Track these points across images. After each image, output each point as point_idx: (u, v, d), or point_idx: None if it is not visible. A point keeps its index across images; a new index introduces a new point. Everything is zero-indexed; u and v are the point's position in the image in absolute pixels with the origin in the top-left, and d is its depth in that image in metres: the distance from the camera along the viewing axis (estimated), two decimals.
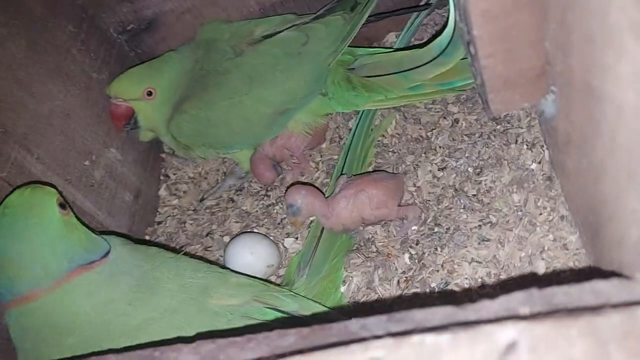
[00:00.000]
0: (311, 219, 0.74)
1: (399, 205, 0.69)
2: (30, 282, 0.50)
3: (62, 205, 0.54)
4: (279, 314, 0.52)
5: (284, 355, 0.32)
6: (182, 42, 0.88)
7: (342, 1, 0.81)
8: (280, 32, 0.79)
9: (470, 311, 0.32)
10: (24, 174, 0.65)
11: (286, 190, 0.72)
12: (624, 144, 0.29)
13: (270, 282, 0.64)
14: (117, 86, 0.80)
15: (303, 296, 0.59)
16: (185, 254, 0.60)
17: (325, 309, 0.56)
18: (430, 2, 0.84)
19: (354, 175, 0.73)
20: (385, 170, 0.74)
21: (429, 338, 0.29)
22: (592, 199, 0.41)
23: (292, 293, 0.58)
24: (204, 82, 0.78)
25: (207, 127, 0.77)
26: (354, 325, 0.34)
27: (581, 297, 0.31)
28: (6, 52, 0.67)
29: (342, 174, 0.73)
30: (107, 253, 0.54)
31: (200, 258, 0.63)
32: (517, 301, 0.32)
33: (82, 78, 0.80)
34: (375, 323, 0.34)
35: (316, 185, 0.80)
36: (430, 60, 0.71)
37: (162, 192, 0.90)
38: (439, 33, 0.70)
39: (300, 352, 0.32)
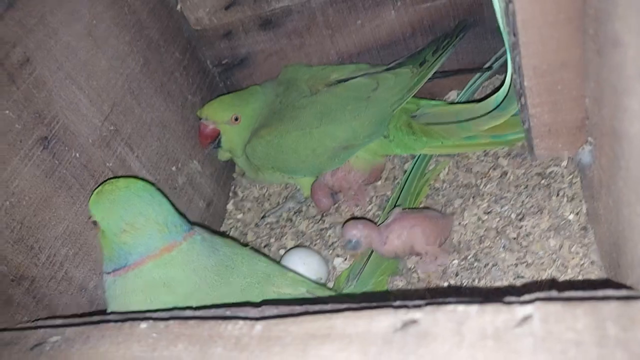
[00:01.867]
0: None
1: (440, 245, 0.76)
2: (169, 236, 0.59)
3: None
4: None
5: (333, 311, 0.40)
6: (266, 79, 1.00)
7: (413, 57, 0.91)
8: (353, 78, 0.90)
9: (497, 299, 0.39)
10: (125, 167, 0.76)
11: (343, 226, 0.78)
12: (634, 171, 0.36)
13: (320, 284, 0.71)
14: (210, 109, 0.91)
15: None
16: (251, 248, 0.69)
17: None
18: (492, 66, 0.93)
19: (407, 208, 0.80)
20: (435, 209, 0.81)
21: (461, 307, 0.36)
22: (615, 233, 0.47)
23: (340, 293, 0.66)
24: (281, 114, 0.88)
25: (278, 153, 0.87)
26: (398, 303, 0.41)
27: (592, 296, 0.37)
28: (126, 66, 0.80)
29: (396, 206, 0.81)
30: (190, 230, 0.63)
31: (263, 254, 0.71)
32: (537, 296, 0.39)
33: (180, 97, 0.92)
34: (417, 301, 0.41)
35: (368, 217, 0.88)
36: (487, 113, 0.79)
37: (230, 206, 1.00)
38: (496, 91, 0.78)
39: (352, 309, 0.39)
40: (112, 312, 0.59)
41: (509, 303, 0.36)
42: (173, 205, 0.64)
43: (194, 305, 0.58)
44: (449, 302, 0.37)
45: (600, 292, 0.38)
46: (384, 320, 0.37)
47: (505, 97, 0.73)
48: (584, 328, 0.32)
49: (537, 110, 0.51)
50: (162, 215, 0.61)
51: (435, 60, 0.88)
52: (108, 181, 0.63)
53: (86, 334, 0.46)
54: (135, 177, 0.69)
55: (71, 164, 0.68)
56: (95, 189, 0.63)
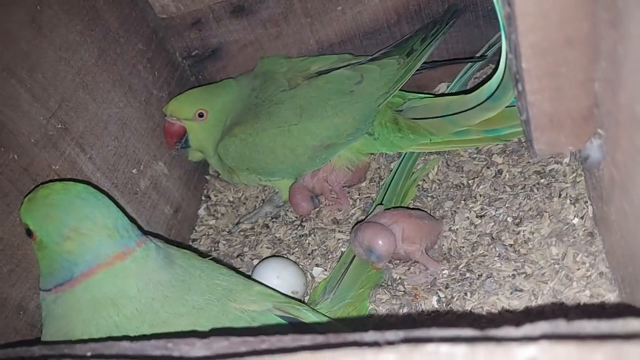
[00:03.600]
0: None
1: (427, 250, 0.68)
2: (121, 241, 0.52)
3: None
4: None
5: (293, 349, 0.32)
6: (241, 72, 0.92)
7: (400, 46, 0.83)
8: (335, 69, 0.82)
9: (492, 333, 0.31)
10: (75, 170, 0.68)
11: (357, 231, 0.69)
12: None
13: (292, 298, 0.63)
14: (173, 105, 0.83)
15: (324, 314, 0.58)
16: (212, 259, 0.61)
17: (344, 328, 0.55)
18: (485, 55, 0.85)
19: (391, 208, 0.72)
20: (425, 211, 0.73)
21: (444, 348, 0.28)
22: (632, 245, 0.39)
23: (312, 309, 0.58)
24: (257, 110, 0.80)
25: (253, 153, 0.79)
26: (370, 336, 0.34)
27: (611, 330, 0.29)
28: (77, 57, 0.72)
29: (379, 204, 0.73)
30: (142, 236, 0.55)
31: (226, 265, 0.63)
32: (542, 329, 0.31)
33: (143, 92, 0.84)
34: (392, 335, 0.33)
35: (350, 221, 0.80)
36: (478, 105, 0.71)
37: (202, 211, 0.91)
38: (486, 78, 0.70)
39: (310, 348, 0.31)
40: (43, 342, 0.51)
41: (506, 341, 0.28)
42: (122, 209, 0.56)
43: (144, 325, 0.51)
44: (430, 340, 0.29)
45: (620, 324, 0.30)
46: None
47: (499, 85, 0.65)
48: None
49: (537, 98, 0.43)
50: (111, 218, 0.53)
51: (423, 50, 0.80)
52: (41, 186, 0.55)
53: None
54: (74, 180, 0.61)
55: (8, 167, 0.60)
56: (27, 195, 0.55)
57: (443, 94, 0.82)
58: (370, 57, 0.83)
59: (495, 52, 0.85)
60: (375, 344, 0.30)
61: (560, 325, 0.31)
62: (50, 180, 0.61)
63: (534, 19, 0.38)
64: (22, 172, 0.61)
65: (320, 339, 0.35)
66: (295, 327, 0.51)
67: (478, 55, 0.86)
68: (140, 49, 0.85)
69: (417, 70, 0.81)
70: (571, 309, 0.51)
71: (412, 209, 0.74)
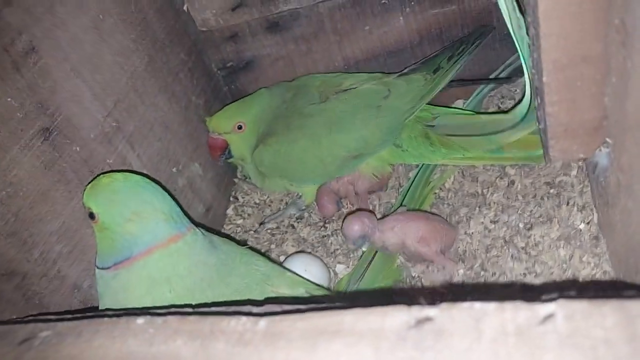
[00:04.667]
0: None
1: (442, 252, 0.74)
2: (175, 226, 0.58)
3: None
4: None
5: (342, 307, 0.37)
6: (271, 85, 0.99)
7: (426, 64, 0.89)
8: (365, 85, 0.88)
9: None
10: (125, 165, 0.74)
11: (344, 224, 0.77)
12: None
13: (320, 286, 0.69)
14: (214, 122, 0.91)
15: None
16: (249, 247, 0.67)
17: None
18: (508, 77, 0.91)
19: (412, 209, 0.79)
20: (442, 217, 0.79)
21: (478, 304, 0.34)
22: (634, 235, 0.45)
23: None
24: (289, 121, 0.87)
25: (285, 162, 0.86)
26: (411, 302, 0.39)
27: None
28: (131, 62, 0.79)
29: (402, 205, 0.79)
30: (189, 224, 0.61)
31: (262, 253, 0.69)
32: (558, 295, 0.37)
33: (184, 99, 0.91)
34: (431, 300, 0.39)
35: None
36: (514, 125, 0.76)
37: (230, 211, 0.98)
38: (520, 100, 0.75)
39: (362, 305, 0.37)
40: (106, 309, 0.57)
41: (529, 301, 0.34)
42: (173, 199, 0.62)
43: (193, 302, 0.56)
44: (465, 300, 0.35)
45: (624, 292, 0.36)
46: (397, 317, 0.35)
47: (529, 107, 0.71)
48: (612, 325, 0.30)
49: (555, 109, 0.49)
50: (167, 204, 0.59)
51: (450, 67, 0.86)
52: (101, 175, 0.61)
53: (79, 329, 0.43)
54: (131, 171, 0.67)
55: (71, 157, 0.66)
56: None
57: (476, 112, 0.87)
58: (399, 73, 0.89)
59: (510, 74, 0.92)
60: (418, 303, 0.36)
61: (572, 294, 0.37)
62: (110, 171, 0.67)
63: (556, 39, 0.45)
64: (83, 163, 0.67)
65: (367, 302, 0.41)
66: (340, 299, 0.57)
67: (501, 76, 0.92)
68: (182, 59, 0.92)
69: (444, 87, 0.87)
70: (581, 284, 0.56)
71: (429, 212, 0.80)
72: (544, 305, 0.33)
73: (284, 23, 0.95)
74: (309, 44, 0.97)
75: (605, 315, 0.31)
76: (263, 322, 0.38)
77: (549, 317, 0.32)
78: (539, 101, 0.50)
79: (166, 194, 0.62)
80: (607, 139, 0.50)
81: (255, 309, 0.44)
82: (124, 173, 0.62)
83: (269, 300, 0.48)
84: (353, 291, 0.58)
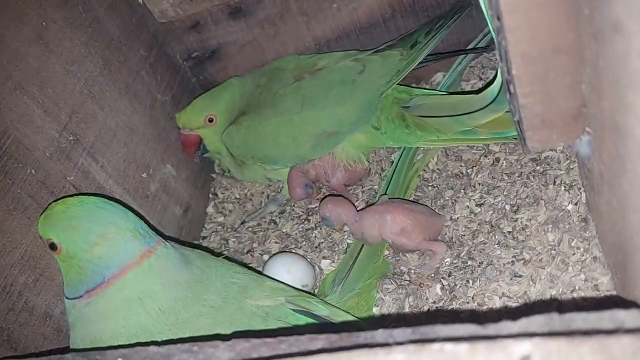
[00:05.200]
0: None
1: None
2: (144, 241, 0.55)
3: None
4: (310, 320, 0.55)
5: (311, 352, 0.35)
6: (241, 72, 0.94)
7: (404, 39, 0.85)
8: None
9: (491, 329, 0.34)
10: (89, 180, 0.71)
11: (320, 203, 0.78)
12: None
13: (303, 291, 0.67)
14: (183, 118, 0.87)
15: (334, 305, 0.61)
16: (226, 257, 0.64)
17: (355, 318, 0.59)
18: (482, 47, 0.87)
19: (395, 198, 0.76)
20: (427, 206, 0.75)
21: (448, 346, 0.31)
22: (621, 236, 0.42)
23: (322, 300, 0.61)
24: (261, 103, 0.83)
25: (257, 141, 0.82)
26: (380, 335, 0.37)
27: (599, 323, 0.32)
28: (84, 69, 0.74)
29: (384, 194, 0.76)
30: (158, 239, 0.58)
31: (239, 262, 0.67)
32: (537, 323, 0.34)
33: (148, 98, 0.86)
34: (400, 333, 0.36)
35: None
36: (484, 107, 0.72)
37: (210, 209, 0.94)
38: (490, 80, 0.72)
39: (327, 351, 0.34)
40: (72, 350, 0.55)
41: (504, 338, 0.31)
42: (136, 213, 0.59)
43: (167, 326, 0.54)
44: (435, 340, 0.32)
45: (607, 316, 0.33)
46: None
47: (500, 89, 0.67)
48: None
49: (528, 100, 0.45)
50: (131, 221, 0.56)
51: (427, 43, 0.82)
52: (54, 203, 0.58)
53: None
54: (85, 194, 0.64)
55: (26, 182, 0.62)
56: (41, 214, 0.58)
57: (450, 93, 0.84)
58: (374, 50, 0.85)
59: (489, 43, 0.87)
60: (385, 345, 0.33)
61: (554, 318, 0.34)
62: (64, 196, 0.63)
63: (521, 31, 0.40)
64: (40, 185, 0.64)
65: (334, 338, 0.38)
66: (310, 327, 0.54)
67: (472, 45, 0.88)
68: (142, 55, 0.87)
69: (420, 63, 0.83)
70: (564, 303, 0.54)
71: (413, 202, 0.76)
72: (519, 345, 0.30)
73: (246, 7, 0.89)
74: (275, 27, 0.91)
75: (584, 358, 0.28)
76: None
77: (525, 359, 0.29)
78: (511, 92, 0.46)
79: (127, 210, 0.59)
80: (587, 129, 0.46)
81: (221, 345, 0.41)
82: (78, 197, 0.59)
83: (236, 334, 0.45)
84: (324, 313, 0.56)
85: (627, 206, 0.37)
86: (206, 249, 0.73)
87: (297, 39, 0.93)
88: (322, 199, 0.79)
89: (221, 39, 0.93)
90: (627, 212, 0.38)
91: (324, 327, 0.54)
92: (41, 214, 0.58)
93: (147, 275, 0.54)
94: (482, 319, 0.41)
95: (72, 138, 0.70)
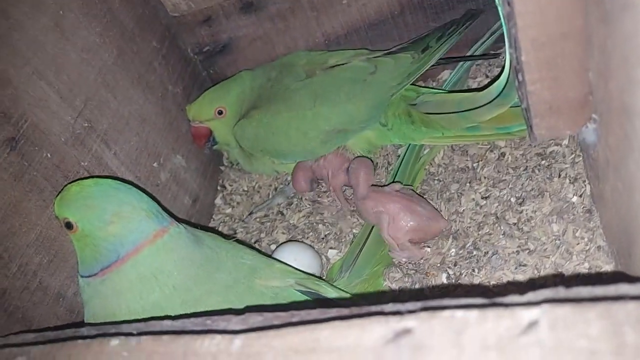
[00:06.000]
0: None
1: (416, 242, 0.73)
2: (157, 221, 0.57)
3: None
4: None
5: (323, 320, 0.36)
6: (251, 66, 0.95)
7: (416, 43, 0.87)
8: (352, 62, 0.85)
9: (499, 300, 0.35)
10: (101, 166, 0.72)
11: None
12: None
13: (311, 274, 0.68)
14: (193, 110, 0.88)
15: (342, 289, 0.63)
16: (236, 240, 0.66)
17: (364, 301, 0.60)
18: (489, 54, 0.88)
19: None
20: (433, 207, 0.75)
21: (459, 313, 0.32)
22: (626, 220, 0.43)
23: (331, 284, 0.62)
24: (272, 97, 0.84)
25: (267, 134, 0.83)
26: (390, 307, 0.38)
27: (605, 294, 0.33)
28: (98, 58, 0.76)
29: (396, 181, 0.78)
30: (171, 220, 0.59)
31: (248, 245, 0.68)
32: (543, 296, 0.35)
33: (160, 88, 0.88)
34: (411, 305, 0.37)
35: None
36: (489, 102, 0.74)
37: (218, 200, 0.96)
38: (496, 77, 0.73)
39: (339, 318, 0.35)
40: (87, 324, 0.56)
41: (512, 306, 0.32)
42: (149, 194, 0.61)
43: (178, 303, 0.55)
44: (445, 307, 0.33)
45: (612, 289, 0.34)
46: (375, 331, 0.33)
47: (507, 82, 0.68)
48: (598, 335, 0.29)
49: (536, 87, 0.47)
50: (144, 201, 0.58)
51: (438, 47, 0.84)
52: (70, 184, 0.59)
53: (52, 354, 0.42)
54: (98, 176, 0.66)
55: (42, 165, 0.64)
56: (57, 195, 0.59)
57: (455, 91, 0.85)
58: (386, 51, 0.86)
59: (495, 41, 0.89)
60: (397, 313, 0.34)
61: (560, 292, 0.35)
62: (78, 179, 0.65)
63: (532, 16, 0.41)
64: (55, 169, 0.65)
65: (345, 311, 0.39)
66: (320, 302, 0.55)
67: (479, 43, 0.89)
68: (154, 47, 0.88)
69: (432, 65, 0.85)
70: (571, 277, 0.55)
71: (420, 199, 0.76)
72: (528, 312, 0.31)
73: (258, 2, 0.91)
74: (286, 22, 0.93)
75: (590, 322, 0.29)
76: (238, 340, 0.37)
77: (532, 325, 0.30)
78: (520, 80, 0.47)
79: (140, 192, 0.60)
80: (594, 115, 0.47)
81: (234, 320, 0.42)
82: (93, 178, 0.60)
83: (249, 309, 0.46)
84: (332, 295, 0.57)
85: (633, 186, 0.38)
86: (217, 232, 0.75)
87: (307, 34, 0.94)
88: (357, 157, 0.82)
89: (232, 33, 0.95)
90: (633, 192, 0.39)
91: (334, 303, 0.55)
92: (57, 195, 0.59)
93: (161, 253, 0.56)
94: (490, 293, 0.42)
95: (86, 124, 0.71)
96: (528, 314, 0.31)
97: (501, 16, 0.48)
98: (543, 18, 0.41)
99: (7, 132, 0.60)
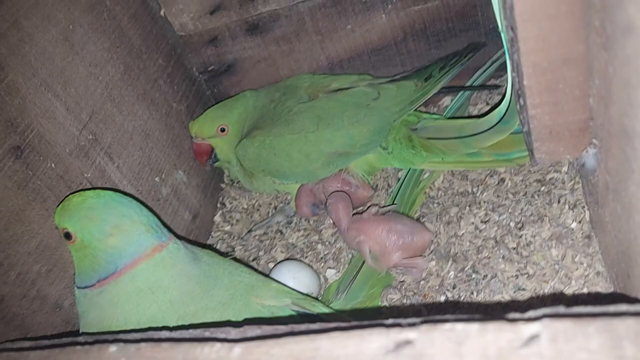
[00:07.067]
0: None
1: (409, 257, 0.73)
2: (156, 236, 0.57)
3: None
4: None
5: (323, 331, 0.36)
6: (255, 87, 0.97)
7: (419, 72, 0.88)
8: (355, 87, 0.87)
9: (500, 316, 0.35)
10: (104, 178, 0.73)
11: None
12: None
13: (308, 295, 0.68)
14: (196, 127, 0.89)
15: (339, 310, 0.62)
16: (233, 259, 0.66)
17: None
18: (495, 85, 0.90)
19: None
20: (415, 221, 0.76)
21: (459, 326, 0.32)
22: (624, 243, 0.44)
23: (327, 306, 0.62)
24: (275, 118, 0.85)
25: (270, 155, 0.84)
26: (391, 321, 0.38)
27: (604, 312, 0.33)
28: (105, 72, 0.77)
29: (373, 205, 0.80)
30: (170, 235, 0.60)
31: (245, 264, 0.68)
32: (544, 312, 0.35)
33: (164, 106, 0.89)
34: (412, 319, 0.37)
35: None
36: (490, 128, 0.75)
37: (217, 218, 0.96)
38: (497, 104, 0.75)
39: (340, 329, 0.36)
40: (83, 333, 0.55)
41: (513, 320, 0.32)
42: (149, 208, 0.61)
43: (175, 318, 0.55)
44: (446, 320, 0.33)
45: (612, 307, 0.34)
46: (375, 341, 0.33)
47: (507, 109, 0.69)
48: (598, 348, 0.29)
49: (538, 112, 0.48)
50: (145, 215, 0.58)
51: (441, 77, 0.86)
52: (71, 195, 0.60)
53: (51, 359, 0.42)
54: (101, 188, 0.66)
55: (46, 174, 0.64)
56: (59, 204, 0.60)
57: (456, 117, 0.87)
58: (389, 79, 0.88)
59: (497, 69, 0.90)
60: (397, 325, 0.34)
61: (560, 309, 0.36)
62: (80, 190, 0.65)
63: (534, 42, 0.43)
64: (59, 179, 0.66)
65: (345, 324, 0.39)
66: (319, 317, 0.55)
67: (480, 72, 0.91)
68: (160, 65, 0.90)
69: (433, 95, 0.86)
70: (569, 298, 0.55)
71: (400, 218, 0.76)
72: (528, 326, 0.31)
73: (264, 24, 0.92)
74: (290, 45, 0.95)
75: (590, 336, 0.30)
76: (238, 349, 0.37)
77: (533, 338, 0.31)
78: (521, 104, 0.48)
79: (141, 205, 0.60)
80: (594, 140, 0.48)
81: (233, 332, 0.42)
82: (95, 190, 0.61)
83: (248, 321, 0.46)
84: (336, 306, 0.57)
85: (633, 208, 0.39)
86: (214, 250, 0.75)
87: (311, 58, 0.96)
88: (333, 192, 0.83)
89: (237, 54, 0.97)
90: (632, 214, 0.39)
91: (333, 317, 0.55)
92: (58, 205, 0.60)
93: (158, 267, 0.56)
94: (490, 310, 0.42)
95: (91, 137, 0.72)
96: (528, 328, 0.31)
97: (504, 42, 0.50)
98: (545, 44, 0.43)
99: (13, 141, 0.60)
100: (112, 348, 0.41)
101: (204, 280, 0.58)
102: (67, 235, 0.57)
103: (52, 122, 0.66)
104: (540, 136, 0.50)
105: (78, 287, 0.59)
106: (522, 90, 0.47)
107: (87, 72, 0.73)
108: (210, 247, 0.86)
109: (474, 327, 0.32)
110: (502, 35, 0.49)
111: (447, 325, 0.33)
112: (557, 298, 0.57)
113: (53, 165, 0.65)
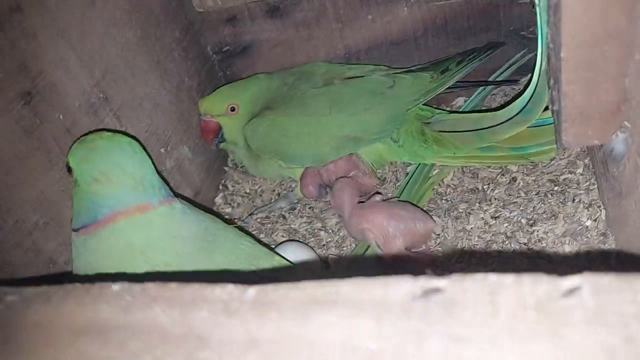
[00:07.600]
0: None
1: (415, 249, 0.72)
2: (143, 195, 0.54)
3: None
4: None
5: (344, 277, 0.34)
6: (269, 71, 0.95)
7: (436, 64, 0.88)
8: (371, 75, 0.86)
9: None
10: None
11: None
12: None
13: None
14: (205, 104, 0.87)
15: None
16: (237, 227, 0.64)
17: None
18: (512, 79, 0.89)
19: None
20: (418, 209, 0.75)
21: (493, 276, 0.31)
22: None
23: None
24: (288, 100, 0.84)
25: (280, 136, 0.82)
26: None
27: None
28: (122, 34, 0.75)
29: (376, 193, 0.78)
30: (169, 197, 0.58)
31: (249, 234, 0.66)
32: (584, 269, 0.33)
33: (176, 78, 0.87)
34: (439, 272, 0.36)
35: None
36: (509, 119, 0.74)
37: (218, 199, 0.94)
38: (518, 94, 0.73)
39: (361, 276, 0.34)
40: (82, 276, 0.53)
41: (550, 273, 0.30)
42: (156, 168, 0.59)
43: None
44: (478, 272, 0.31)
45: None
46: (401, 287, 0.31)
47: (531, 97, 0.68)
48: None
49: (571, 89, 0.46)
50: (140, 172, 0.56)
51: (458, 70, 0.85)
52: (94, 131, 0.58)
53: (48, 294, 0.39)
54: (125, 133, 0.64)
55: (54, 125, 0.62)
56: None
57: (472, 111, 0.86)
58: (405, 69, 0.87)
59: (514, 72, 0.90)
60: (425, 274, 0.33)
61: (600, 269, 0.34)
62: (104, 129, 0.63)
63: (578, 10, 0.42)
64: (65, 132, 0.64)
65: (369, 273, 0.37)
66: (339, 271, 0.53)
67: (497, 74, 0.90)
68: (177, 37, 0.88)
69: (448, 88, 0.86)
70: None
71: (403, 205, 0.75)
72: (568, 279, 0.30)
73: (285, 7, 0.92)
74: (310, 30, 0.94)
75: (637, 291, 0.28)
76: (252, 290, 0.35)
77: (574, 290, 0.29)
78: (554, 81, 0.47)
79: (147, 160, 0.58)
80: (626, 123, 0.47)
81: (245, 276, 0.40)
82: (114, 133, 0.59)
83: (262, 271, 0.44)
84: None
85: None
86: (221, 217, 0.73)
87: (329, 45, 0.95)
88: (339, 178, 0.81)
89: (255, 35, 0.95)
90: None
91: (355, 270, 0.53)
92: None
93: (141, 228, 0.54)
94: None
95: (102, 96, 0.70)
96: (569, 281, 0.29)
97: (537, 15, 0.49)
98: (589, 13, 0.42)
99: (23, 85, 0.58)
100: (115, 286, 0.38)
101: (202, 244, 0.56)
102: (69, 169, 0.57)
103: (64, 73, 0.64)
104: (570, 117, 0.49)
105: (72, 230, 0.57)
106: (557, 64, 0.46)
107: (104, 30, 0.72)
108: (217, 214, 0.84)
109: (508, 279, 0.30)
110: (537, 7, 0.48)
111: (479, 276, 0.31)
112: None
113: (61, 116, 0.63)
